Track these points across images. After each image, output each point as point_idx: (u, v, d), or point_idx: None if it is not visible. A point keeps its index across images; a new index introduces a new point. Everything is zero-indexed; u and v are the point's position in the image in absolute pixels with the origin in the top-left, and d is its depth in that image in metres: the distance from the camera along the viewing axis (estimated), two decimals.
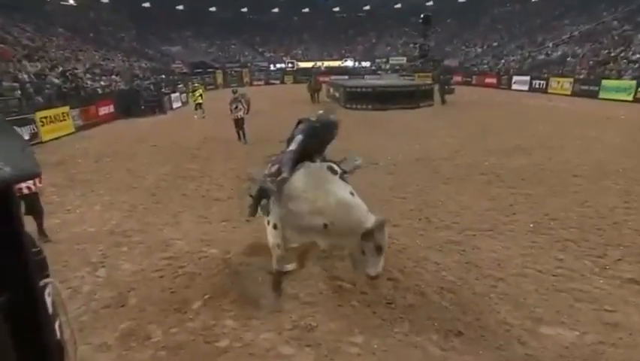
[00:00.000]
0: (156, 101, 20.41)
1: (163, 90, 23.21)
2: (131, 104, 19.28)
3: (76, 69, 21.96)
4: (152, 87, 22.95)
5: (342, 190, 3.15)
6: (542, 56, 30.07)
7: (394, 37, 47.85)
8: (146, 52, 38.93)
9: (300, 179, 3.24)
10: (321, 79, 27.25)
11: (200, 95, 17.85)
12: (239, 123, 11.63)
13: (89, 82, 20.87)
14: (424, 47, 32.55)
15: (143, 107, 19.53)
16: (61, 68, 20.27)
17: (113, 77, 24.59)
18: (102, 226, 5.83)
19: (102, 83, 22.14)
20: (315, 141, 3.50)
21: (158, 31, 42.88)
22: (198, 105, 17.54)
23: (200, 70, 36.93)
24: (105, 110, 17.73)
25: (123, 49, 35.73)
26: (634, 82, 18.93)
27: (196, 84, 20.06)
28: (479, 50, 40.51)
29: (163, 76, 30.42)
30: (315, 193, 3.12)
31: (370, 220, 2.93)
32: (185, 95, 25.45)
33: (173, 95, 22.91)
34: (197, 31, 45.36)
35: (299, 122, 3.67)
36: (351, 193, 3.18)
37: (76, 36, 31.01)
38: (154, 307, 3.82)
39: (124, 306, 3.86)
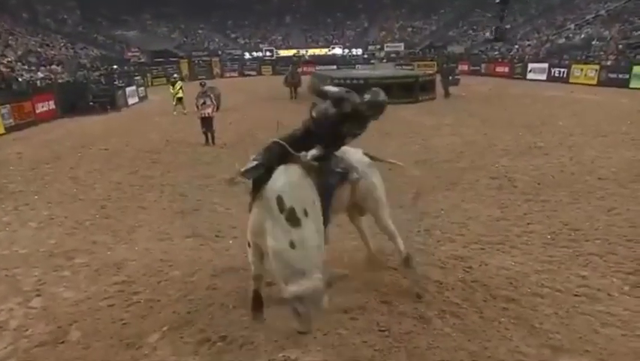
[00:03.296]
0: (108, 96, 20.25)
1: (116, 83, 23.04)
2: (76, 100, 19.09)
3: (6, 57, 21.68)
4: (103, 80, 22.77)
5: None
6: (563, 40, 30.73)
7: (390, 21, 48.39)
8: (94, 37, 38.62)
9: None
10: (305, 70, 27.37)
11: (181, 88, 18.03)
12: (206, 122, 11.63)
13: (23, 72, 20.60)
14: (500, 29, 32.63)
15: (91, 103, 19.35)
16: None
17: (54, 67, 24.34)
18: (38, 247, 5.74)
19: (40, 74, 21.88)
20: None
21: (108, 12, 42.61)
22: (179, 100, 17.75)
23: (161, 59, 36.79)
24: (44, 106, 17.49)
25: (66, 33, 35.40)
26: None
27: (175, 76, 20.17)
28: (488, 34, 41.20)
29: (116, 66, 30.20)
30: None
31: None
32: (143, 88, 25.34)
33: (128, 89, 22.77)
34: (156, 13, 45.21)
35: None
36: None
37: (4, 16, 30.57)
38: (101, 342, 3.78)
39: (63, 343, 3.81)
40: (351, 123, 3.74)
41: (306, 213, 3.39)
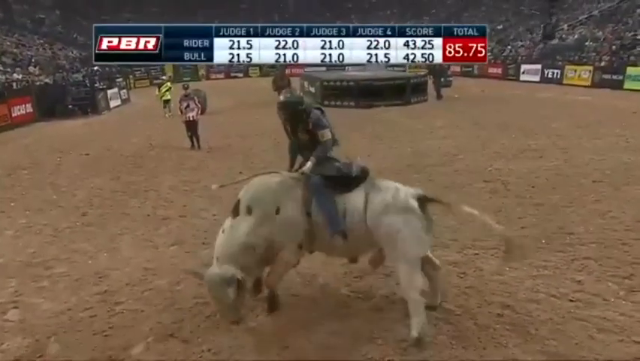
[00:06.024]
0: (88, 98, 20.12)
1: (97, 85, 22.90)
2: (55, 103, 18.96)
3: None
4: (87, 81, 22.63)
5: None
6: (556, 41, 31.13)
7: (381, 20, 48.72)
8: (74, 37, 38.36)
9: None
10: (294, 71, 27.41)
11: (168, 89, 18.08)
12: (191, 126, 11.62)
13: None
14: (548, 27, 32.49)
15: (71, 106, 19.22)
16: None
17: (31, 68, 24.13)
18: (15, 256, 5.68)
19: (16, 75, 21.68)
20: None
21: (87, 11, 42.34)
22: (166, 103, 17.93)
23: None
24: (20, 109, 17.33)
25: (43, 33, 35.12)
26: None
27: (163, 78, 20.15)
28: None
29: (97, 68, 30.01)
30: None
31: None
32: (125, 90, 25.20)
33: (110, 92, 22.64)
34: (138, 12, 45.03)
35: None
36: None
37: None
38: (82, 355, 3.74)
39: (42, 356, 3.76)
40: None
41: (249, 211, 3.73)
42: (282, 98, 4.09)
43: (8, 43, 27.75)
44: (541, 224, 6.06)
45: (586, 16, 31.95)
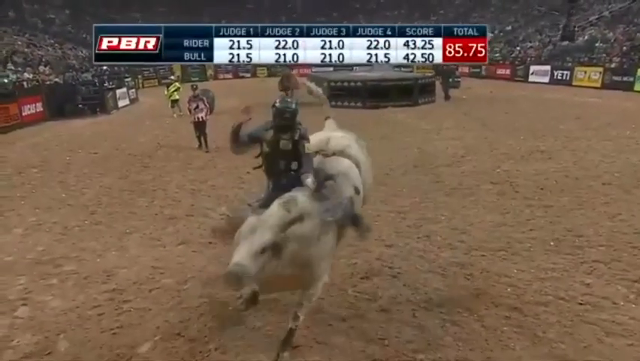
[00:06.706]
0: (97, 98, 20.23)
1: (106, 85, 23.03)
2: (65, 102, 19.06)
3: None
4: (96, 81, 22.77)
5: None
6: (566, 42, 30.93)
7: (389, 20, 48.66)
8: (83, 37, 38.62)
9: None
10: (301, 72, 27.43)
11: (177, 89, 18.22)
12: (199, 127, 11.66)
13: (8, 73, 20.56)
14: (568, 28, 32.24)
15: (80, 105, 19.32)
16: None
17: (41, 67, 24.31)
18: (24, 254, 5.71)
19: (26, 75, 21.85)
20: None
21: (96, 11, 42.65)
22: (174, 102, 18.00)
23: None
24: (30, 108, 17.40)
25: (54, 33, 35.39)
26: None
27: (172, 77, 20.24)
28: (490, 35, 41.38)
29: (106, 67, 30.21)
30: None
31: None
32: (133, 90, 25.34)
33: (118, 91, 22.73)
34: (146, 12, 45.30)
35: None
36: None
37: None
38: (91, 353, 3.76)
39: (51, 353, 3.79)
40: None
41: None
42: (278, 103, 3.90)
43: (19, 42, 27.97)
44: (550, 226, 6.03)
45: (596, 17, 31.69)
